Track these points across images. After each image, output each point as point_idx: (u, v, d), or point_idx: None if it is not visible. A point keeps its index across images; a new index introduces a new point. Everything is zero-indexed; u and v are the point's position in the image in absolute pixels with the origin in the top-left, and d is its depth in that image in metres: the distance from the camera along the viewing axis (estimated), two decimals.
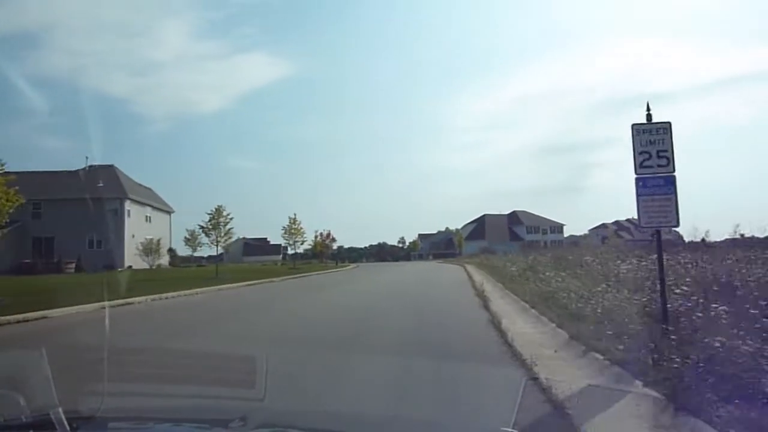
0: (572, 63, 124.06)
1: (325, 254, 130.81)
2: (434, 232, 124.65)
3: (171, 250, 57.76)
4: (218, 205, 33.98)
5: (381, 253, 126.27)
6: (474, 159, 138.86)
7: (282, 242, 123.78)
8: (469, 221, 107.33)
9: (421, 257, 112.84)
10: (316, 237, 68.55)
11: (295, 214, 49.17)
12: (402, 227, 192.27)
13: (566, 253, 44.26)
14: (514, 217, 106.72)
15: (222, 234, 33.77)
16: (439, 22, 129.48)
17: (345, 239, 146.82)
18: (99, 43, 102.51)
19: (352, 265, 69.33)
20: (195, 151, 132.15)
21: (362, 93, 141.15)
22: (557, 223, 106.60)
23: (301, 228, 49.42)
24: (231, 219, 33.99)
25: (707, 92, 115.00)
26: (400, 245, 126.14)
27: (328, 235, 68.18)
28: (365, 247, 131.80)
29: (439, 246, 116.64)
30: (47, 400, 2.59)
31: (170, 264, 60.31)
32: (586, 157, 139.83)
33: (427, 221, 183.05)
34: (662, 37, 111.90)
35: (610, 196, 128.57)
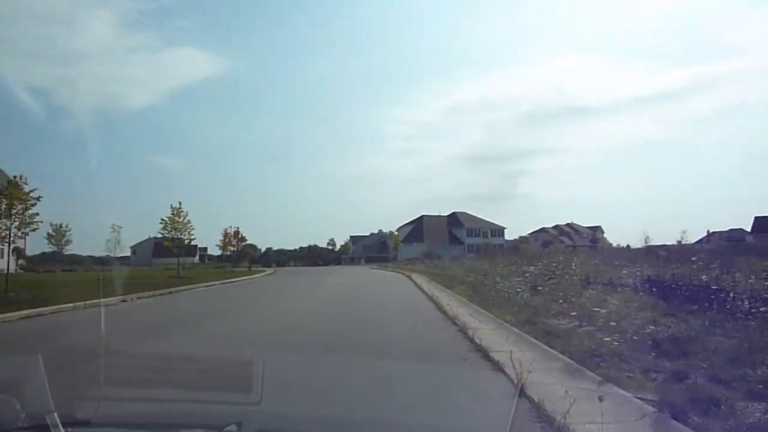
0: (501, 77, 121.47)
1: (248, 256, 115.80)
2: (367, 234, 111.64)
3: (18, 250, 41.47)
4: (13, 176, 19.32)
5: (311, 255, 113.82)
6: (407, 166, 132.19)
7: (200, 242, 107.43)
8: (405, 222, 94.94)
9: (352, 261, 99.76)
10: (226, 236, 53.79)
11: (180, 203, 34.92)
12: (334, 230, 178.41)
13: (539, 258, 32.35)
14: (454, 219, 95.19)
15: (16, 223, 19.05)
16: (375, 31, 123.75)
17: (274, 241, 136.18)
18: (16, 29, 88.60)
19: (269, 270, 55.04)
20: (117, 147, 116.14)
21: (297, 96, 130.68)
22: (499, 226, 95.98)
23: (188, 222, 35.10)
24: (38, 200, 19.39)
25: (625, 108, 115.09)
26: (330, 247, 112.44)
27: (236, 233, 53.58)
28: (295, 249, 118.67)
29: (372, 249, 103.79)
30: (43, 404, 2.36)
31: (21, 269, 44.06)
32: (516, 166, 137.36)
33: (360, 225, 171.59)
34: (585, 56, 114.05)
35: (540, 202, 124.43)
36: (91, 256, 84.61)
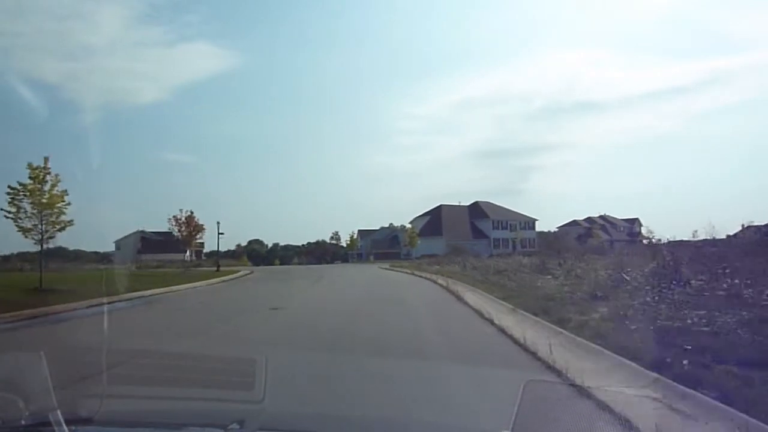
0: (512, 72, 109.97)
1: (243, 252, 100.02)
2: (376, 228, 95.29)
3: None
4: None
5: (317, 251, 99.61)
6: (416, 162, 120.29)
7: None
8: (420, 213, 78.23)
9: (360, 257, 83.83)
10: (177, 224, 37.30)
11: (45, 159, 18.49)
12: (342, 226, 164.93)
13: None
14: (477, 210, 78.03)
15: None
16: (384, 25, 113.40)
17: (282, 237, 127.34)
18: (26, 24, 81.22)
19: (243, 272, 38.80)
20: (124, 141, 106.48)
21: (306, 90, 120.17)
22: (529, 217, 78.89)
23: (62, 194, 18.70)
24: None
25: (633, 104, 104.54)
26: (334, 242, 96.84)
27: (189, 220, 37.04)
28: (302, 245, 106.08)
29: (383, 244, 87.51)
30: (46, 402, 2.25)
31: None
32: (528, 161, 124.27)
33: (369, 221, 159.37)
34: (595, 50, 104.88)
35: (554, 196, 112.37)
36: (96, 252, 79.62)
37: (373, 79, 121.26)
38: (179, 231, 37.08)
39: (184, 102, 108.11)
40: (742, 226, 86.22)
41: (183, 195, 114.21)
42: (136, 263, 69.47)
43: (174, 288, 21.94)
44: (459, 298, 14.57)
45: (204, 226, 38.31)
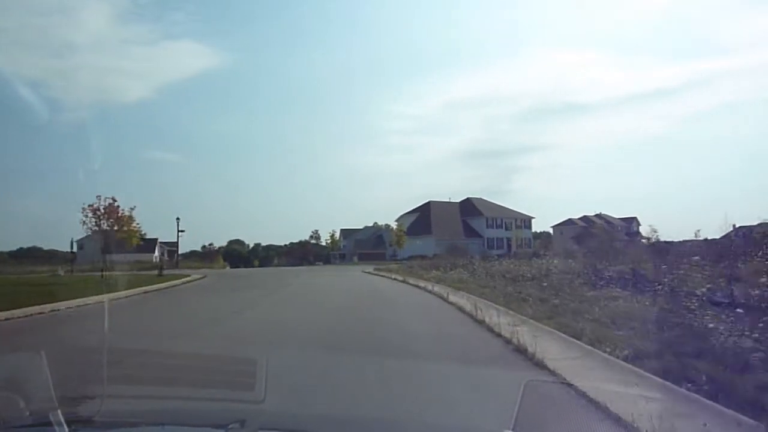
0: (501, 72, 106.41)
1: (217, 253, 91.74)
2: (360, 227, 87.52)
3: None
4: None
5: (299, 251, 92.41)
6: (406, 162, 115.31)
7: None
8: (407, 211, 70.24)
9: (344, 258, 76.04)
10: (98, 216, 28.45)
11: None
12: (327, 226, 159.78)
13: None
14: (470, 207, 70.20)
15: None
16: (373, 25, 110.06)
17: (266, 237, 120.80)
18: (8, 20, 77.68)
19: (196, 275, 30.56)
20: (110, 140, 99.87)
21: (293, 90, 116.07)
22: (525, 215, 71.26)
23: None
24: None
25: (624, 105, 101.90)
26: (314, 241, 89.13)
27: (110, 210, 28.25)
28: (285, 245, 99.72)
29: (367, 244, 79.87)
30: (46, 402, 2.25)
31: None
32: (516, 161, 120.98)
33: (354, 221, 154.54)
34: (585, 52, 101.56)
35: (544, 197, 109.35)
36: (72, 252, 79.31)
37: (363, 78, 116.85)
38: (97, 224, 28.68)
39: (170, 100, 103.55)
40: (733, 226, 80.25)
41: (167, 193, 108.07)
42: (90, 264, 60.73)
43: (33, 309, 13.67)
44: (530, 359, 6.45)
45: (133, 218, 29.87)
